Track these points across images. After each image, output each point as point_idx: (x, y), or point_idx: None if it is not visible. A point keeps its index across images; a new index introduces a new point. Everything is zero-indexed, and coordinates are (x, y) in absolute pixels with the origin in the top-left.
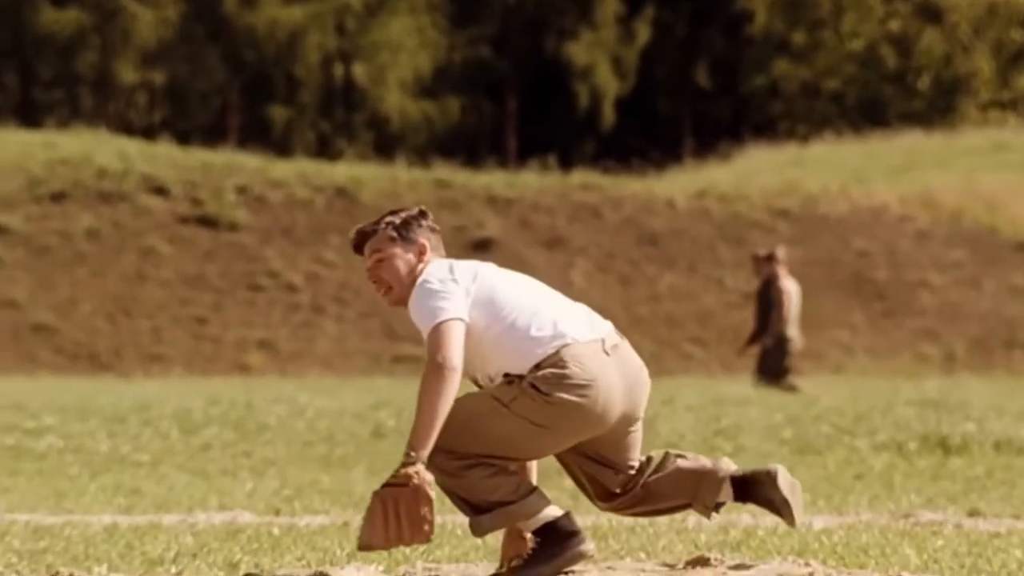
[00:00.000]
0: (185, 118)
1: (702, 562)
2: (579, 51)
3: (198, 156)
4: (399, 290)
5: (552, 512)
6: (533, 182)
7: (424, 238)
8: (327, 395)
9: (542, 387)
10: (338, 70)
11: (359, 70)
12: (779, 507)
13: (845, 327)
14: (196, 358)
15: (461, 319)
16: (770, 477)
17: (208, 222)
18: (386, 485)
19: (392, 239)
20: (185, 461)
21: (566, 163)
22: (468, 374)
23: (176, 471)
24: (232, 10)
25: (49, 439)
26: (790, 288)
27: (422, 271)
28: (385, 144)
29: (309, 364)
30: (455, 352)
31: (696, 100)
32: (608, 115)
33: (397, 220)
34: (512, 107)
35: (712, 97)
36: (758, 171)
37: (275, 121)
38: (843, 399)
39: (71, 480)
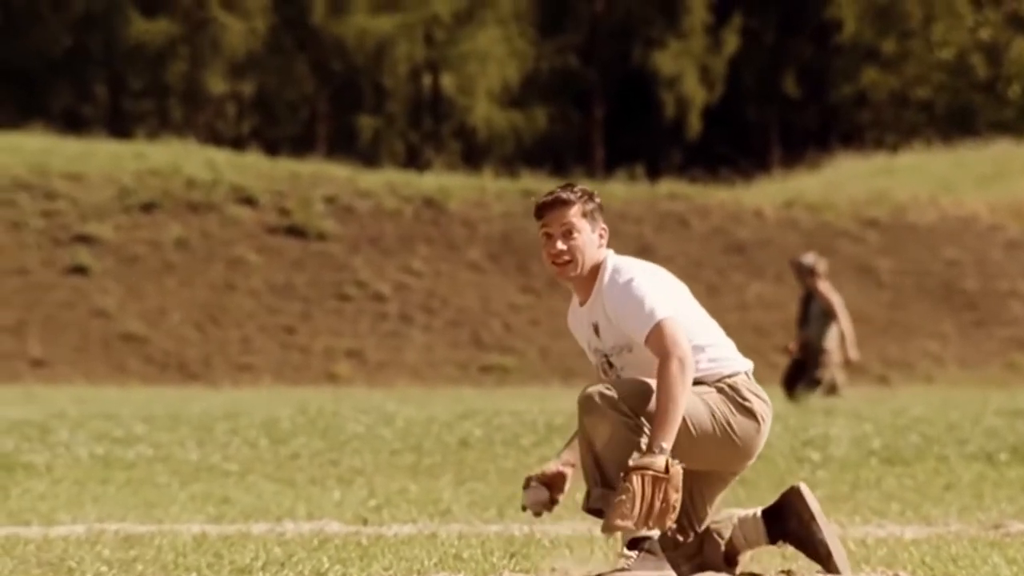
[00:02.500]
0: (273, 128)
1: (789, 575)
2: (666, 60)
3: (286, 166)
4: (580, 265)
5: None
6: (620, 191)
7: (604, 223)
8: (415, 404)
9: (742, 391)
10: (426, 80)
11: (447, 80)
12: (819, 554)
13: (935, 337)
14: (284, 367)
15: (676, 316)
16: (796, 494)
17: (296, 232)
18: (636, 470)
19: (585, 214)
20: (273, 470)
21: (653, 172)
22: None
23: (264, 480)
24: (321, 20)
25: (139, 448)
26: (836, 300)
27: (600, 257)
28: (473, 154)
29: (397, 373)
30: (688, 346)
31: (784, 109)
32: (695, 124)
33: (591, 199)
34: (599, 116)
35: (800, 106)
36: (846, 180)
37: (363, 131)
38: (933, 409)
39: (160, 489)
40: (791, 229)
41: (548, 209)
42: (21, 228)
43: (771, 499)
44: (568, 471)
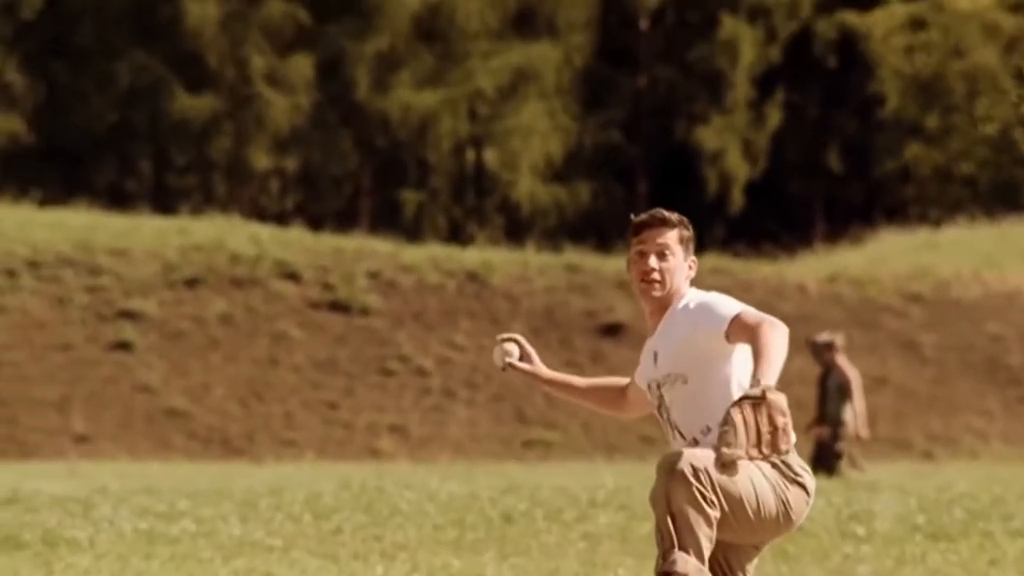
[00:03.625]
0: (317, 203)
1: None
2: (709, 135)
3: (330, 241)
4: (668, 288)
5: None
6: None
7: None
8: (458, 479)
9: (794, 466)
10: (470, 155)
11: (490, 155)
12: None
13: (980, 413)
14: (328, 443)
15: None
16: None
17: (340, 307)
18: (734, 405)
19: (681, 240)
20: (316, 545)
21: (696, 247)
22: (680, 425)
23: (307, 555)
24: (365, 96)
25: (182, 524)
26: (853, 376)
27: (683, 288)
28: (516, 228)
29: (440, 448)
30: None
31: (828, 183)
32: (738, 199)
33: (688, 228)
34: (642, 191)
35: (844, 180)
36: (890, 255)
37: (407, 206)
38: (977, 484)
39: (204, 565)
40: (834, 304)
41: (647, 227)
42: (66, 304)
43: (814, 574)
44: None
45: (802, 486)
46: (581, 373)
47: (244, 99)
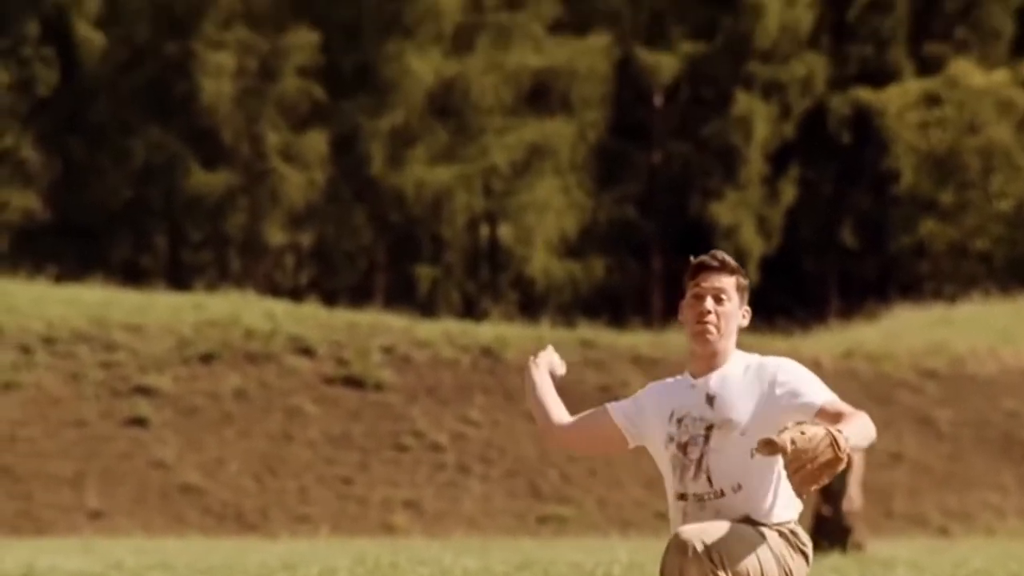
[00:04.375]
0: (332, 278)
1: None
2: (724, 211)
3: (344, 317)
4: (721, 332)
5: None
6: (678, 342)
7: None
8: (472, 555)
9: (800, 535)
10: (484, 230)
11: (505, 230)
12: None
13: (996, 488)
14: (342, 518)
15: None
16: None
17: (354, 382)
18: (828, 431)
19: (739, 287)
20: None
21: None
22: (714, 471)
23: None
24: (379, 171)
25: None
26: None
27: (734, 337)
28: (530, 304)
29: (454, 524)
30: None
31: (842, 259)
32: (752, 274)
33: (745, 277)
34: (657, 267)
35: (858, 256)
36: (905, 331)
37: (421, 281)
38: (993, 561)
39: None
40: (850, 379)
41: (706, 270)
42: (80, 380)
43: None
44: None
45: (805, 556)
46: None
47: (259, 175)
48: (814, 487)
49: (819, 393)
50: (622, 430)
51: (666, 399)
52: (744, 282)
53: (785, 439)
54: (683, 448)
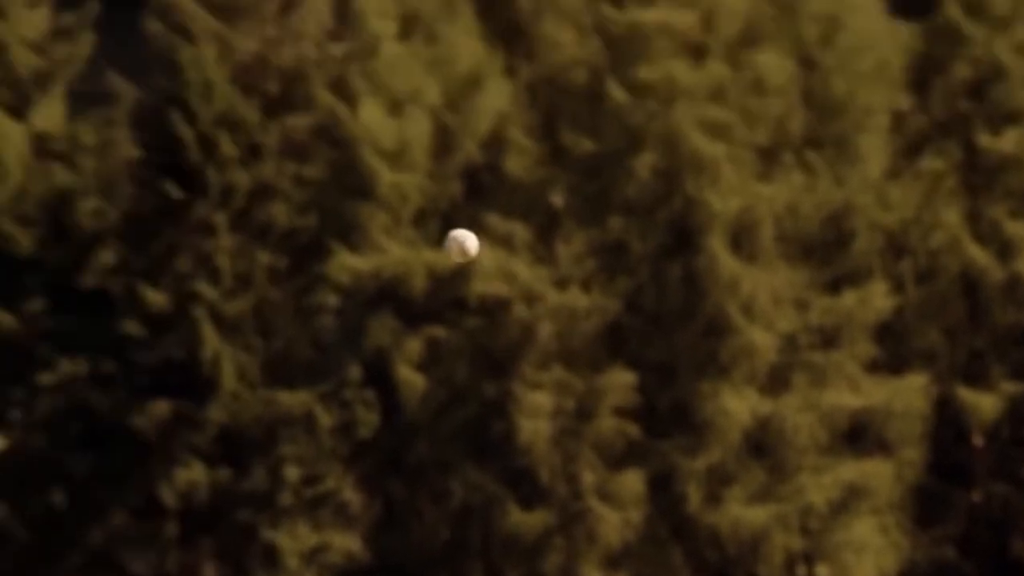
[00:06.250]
0: None
1: None
2: None
3: None
4: None
5: None
6: None
7: None
8: None
9: None
10: (800, 570)
11: (822, 570)
12: None
13: None
14: None
15: None
16: None
17: None
18: None
19: None
20: None
21: None
22: None
23: None
24: (696, 510)
25: None
26: None
27: None
28: None
29: None
30: None
31: None
32: None
33: None
34: None
35: None
36: None
37: None
38: None
39: None
40: None
41: None
42: None
43: None
44: None
45: None
46: None
47: (575, 515)
48: None
49: None
50: None
51: None
52: None
53: None
54: None
